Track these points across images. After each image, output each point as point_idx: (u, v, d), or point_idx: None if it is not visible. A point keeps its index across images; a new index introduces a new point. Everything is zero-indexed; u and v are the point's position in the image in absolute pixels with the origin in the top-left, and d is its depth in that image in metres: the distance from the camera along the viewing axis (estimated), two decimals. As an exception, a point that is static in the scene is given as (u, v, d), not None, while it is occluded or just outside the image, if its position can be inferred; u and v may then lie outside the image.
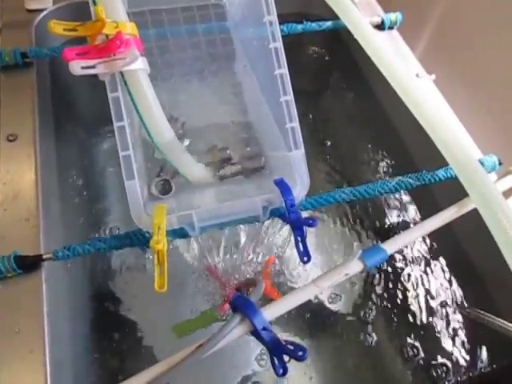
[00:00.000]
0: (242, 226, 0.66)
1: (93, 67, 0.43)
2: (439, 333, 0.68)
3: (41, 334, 0.46)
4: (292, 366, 0.41)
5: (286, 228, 0.68)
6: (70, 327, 0.54)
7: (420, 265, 0.74)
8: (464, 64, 0.86)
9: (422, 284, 0.72)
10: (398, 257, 0.75)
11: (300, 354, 0.39)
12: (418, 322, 0.69)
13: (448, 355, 0.67)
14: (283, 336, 0.66)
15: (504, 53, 0.77)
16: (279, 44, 0.51)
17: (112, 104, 0.47)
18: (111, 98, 0.47)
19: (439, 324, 0.69)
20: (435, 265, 0.74)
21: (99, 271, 0.69)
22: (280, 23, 0.53)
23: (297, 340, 0.66)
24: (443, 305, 0.71)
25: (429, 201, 0.75)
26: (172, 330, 0.63)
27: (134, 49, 0.44)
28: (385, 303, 0.71)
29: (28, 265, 0.48)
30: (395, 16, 0.80)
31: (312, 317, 0.69)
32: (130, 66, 0.45)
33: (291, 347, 0.40)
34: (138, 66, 0.46)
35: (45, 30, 0.71)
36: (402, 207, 0.80)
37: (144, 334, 0.65)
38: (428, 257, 0.75)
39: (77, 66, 0.42)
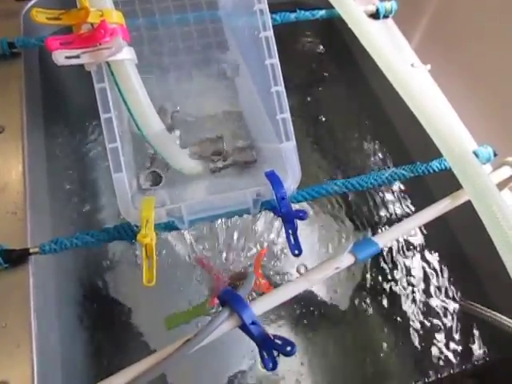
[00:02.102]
0: (234, 218, 0.66)
1: (77, 57, 0.42)
2: (432, 325, 0.68)
3: (28, 328, 0.46)
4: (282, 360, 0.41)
5: (279, 220, 0.68)
6: (57, 321, 0.54)
7: (413, 257, 0.74)
8: (459, 54, 0.85)
9: (416, 276, 0.72)
10: (391, 249, 0.74)
11: (288, 349, 0.39)
12: (412, 315, 0.69)
13: (441, 348, 0.66)
14: (272, 329, 0.66)
15: (500, 43, 0.76)
16: (270, 33, 0.50)
17: (98, 95, 0.46)
18: (97, 88, 0.46)
19: (432, 316, 0.69)
20: (429, 257, 0.74)
21: (88, 264, 0.69)
22: (273, 12, 0.52)
23: (286, 334, 0.66)
24: (436, 297, 0.70)
25: (423, 193, 0.75)
26: (164, 321, 0.63)
27: (120, 38, 0.43)
28: (377, 296, 0.70)
29: (15, 259, 0.48)
30: (390, 5, 0.79)
31: (303, 310, 0.68)
32: (115, 55, 0.44)
33: (280, 342, 0.39)
34: (125, 55, 0.46)
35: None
36: (396, 199, 0.80)
37: (134, 327, 0.65)
38: (421, 249, 0.75)
39: (60, 56, 0.41)
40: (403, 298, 0.70)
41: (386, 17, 0.81)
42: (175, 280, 0.67)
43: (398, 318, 0.69)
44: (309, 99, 0.91)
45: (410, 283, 0.72)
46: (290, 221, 0.49)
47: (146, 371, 0.39)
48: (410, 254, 0.74)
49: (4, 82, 0.63)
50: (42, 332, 0.46)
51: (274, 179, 0.48)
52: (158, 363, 0.39)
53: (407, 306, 0.70)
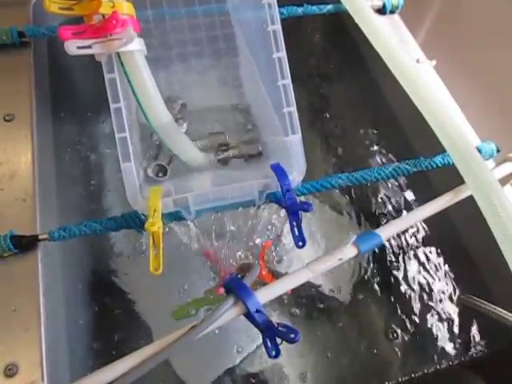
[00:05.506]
0: (239, 210, 0.67)
1: (89, 47, 0.43)
2: (432, 318, 0.69)
3: (36, 312, 0.46)
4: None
5: (284, 212, 0.68)
6: (65, 306, 0.55)
7: (415, 251, 0.75)
8: (464, 50, 0.85)
9: (417, 270, 0.73)
10: (393, 242, 0.75)
11: (292, 336, 0.39)
12: (412, 307, 0.70)
13: (440, 340, 0.67)
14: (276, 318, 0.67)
15: (505, 40, 0.76)
16: (278, 27, 0.50)
17: (108, 85, 0.46)
18: (108, 79, 0.46)
19: (433, 309, 0.70)
20: (430, 251, 0.75)
21: (96, 251, 0.70)
22: (280, 6, 0.52)
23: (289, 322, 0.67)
24: (437, 290, 0.71)
25: (425, 187, 0.75)
26: (172, 313, 0.64)
27: (131, 29, 0.44)
28: (379, 288, 0.71)
29: (24, 245, 0.49)
30: (397, 0, 0.79)
31: (305, 300, 0.69)
32: (126, 46, 0.44)
33: (283, 330, 0.40)
34: (135, 46, 0.46)
35: (43, 9, 0.70)
36: (399, 193, 0.80)
37: (140, 313, 0.66)
38: (423, 243, 0.75)
39: (72, 46, 0.42)
40: (403, 291, 0.71)
41: (392, 12, 0.81)
42: (180, 271, 0.68)
43: (398, 310, 0.70)
44: (315, 93, 0.91)
45: (410, 276, 0.72)
46: (294, 212, 0.49)
47: (152, 356, 0.40)
48: (411, 247, 0.75)
49: (13, 71, 0.63)
50: (50, 316, 0.47)
51: (279, 171, 0.49)
52: (164, 348, 0.40)
53: (407, 298, 0.71)
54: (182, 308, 0.65)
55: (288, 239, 0.72)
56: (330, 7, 0.75)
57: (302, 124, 0.50)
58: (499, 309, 0.60)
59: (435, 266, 0.73)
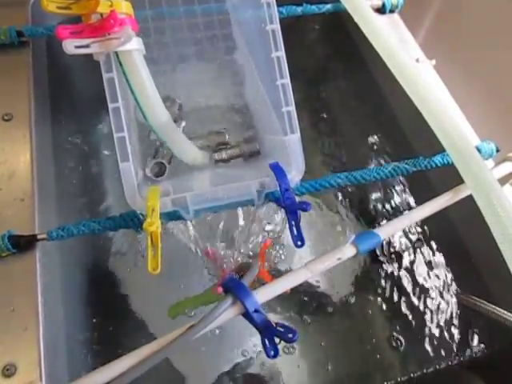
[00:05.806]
0: (238, 209, 0.67)
1: (87, 46, 0.43)
2: (432, 317, 0.69)
3: (35, 312, 0.46)
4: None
5: (283, 212, 0.68)
6: (64, 306, 0.55)
7: (414, 250, 0.74)
8: (464, 50, 0.85)
9: (416, 269, 0.73)
10: (392, 242, 0.75)
11: (290, 335, 0.39)
12: (411, 307, 0.70)
13: (440, 339, 0.67)
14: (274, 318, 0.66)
15: (505, 40, 0.76)
16: (276, 26, 0.50)
17: (106, 85, 0.46)
18: (106, 78, 0.46)
19: (432, 309, 0.69)
20: (430, 250, 0.74)
21: (94, 251, 0.70)
22: (279, 5, 0.52)
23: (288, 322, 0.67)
24: (437, 290, 0.71)
25: (425, 187, 0.75)
26: (168, 310, 0.64)
27: (129, 28, 0.44)
28: (376, 287, 0.71)
29: (22, 244, 0.49)
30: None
31: (304, 300, 0.69)
32: (124, 46, 0.44)
33: (282, 329, 0.40)
34: (133, 46, 0.46)
35: (41, 9, 0.69)
36: (398, 193, 0.80)
37: (138, 312, 0.66)
38: (423, 242, 0.75)
39: (70, 45, 0.42)
40: (402, 290, 0.71)
41: (392, 11, 0.81)
42: (179, 270, 0.68)
43: (397, 310, 0.69)
44: (314, 92, 0.91)
45: (409, 275, 0.72)
46: (293, 212, 0.49)
47: (150, 355, 0.40)
48: (410, 246, 0.75)
49: (12, 71, 0.63)
50: (48, 316, 0.47)
51: (278, 171, 0.49)
52: (162, 348, 0.40)
53: (406, 297, 0.70)
54: (179, 304, 0.65)
55: (287, 239, 0.72)
56: (329, 6, 0.75)
57: (300, 123, 0.50)
58: (499, 309, 0.60)
59: (434, 266, 0.73)
